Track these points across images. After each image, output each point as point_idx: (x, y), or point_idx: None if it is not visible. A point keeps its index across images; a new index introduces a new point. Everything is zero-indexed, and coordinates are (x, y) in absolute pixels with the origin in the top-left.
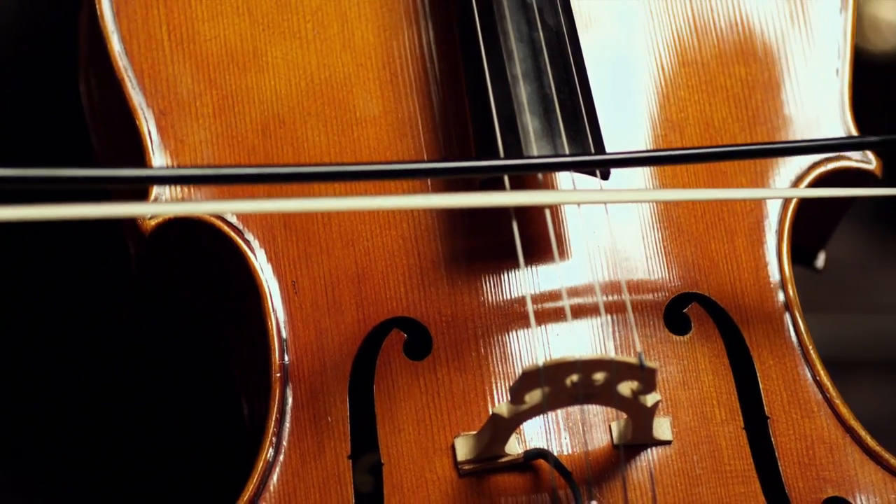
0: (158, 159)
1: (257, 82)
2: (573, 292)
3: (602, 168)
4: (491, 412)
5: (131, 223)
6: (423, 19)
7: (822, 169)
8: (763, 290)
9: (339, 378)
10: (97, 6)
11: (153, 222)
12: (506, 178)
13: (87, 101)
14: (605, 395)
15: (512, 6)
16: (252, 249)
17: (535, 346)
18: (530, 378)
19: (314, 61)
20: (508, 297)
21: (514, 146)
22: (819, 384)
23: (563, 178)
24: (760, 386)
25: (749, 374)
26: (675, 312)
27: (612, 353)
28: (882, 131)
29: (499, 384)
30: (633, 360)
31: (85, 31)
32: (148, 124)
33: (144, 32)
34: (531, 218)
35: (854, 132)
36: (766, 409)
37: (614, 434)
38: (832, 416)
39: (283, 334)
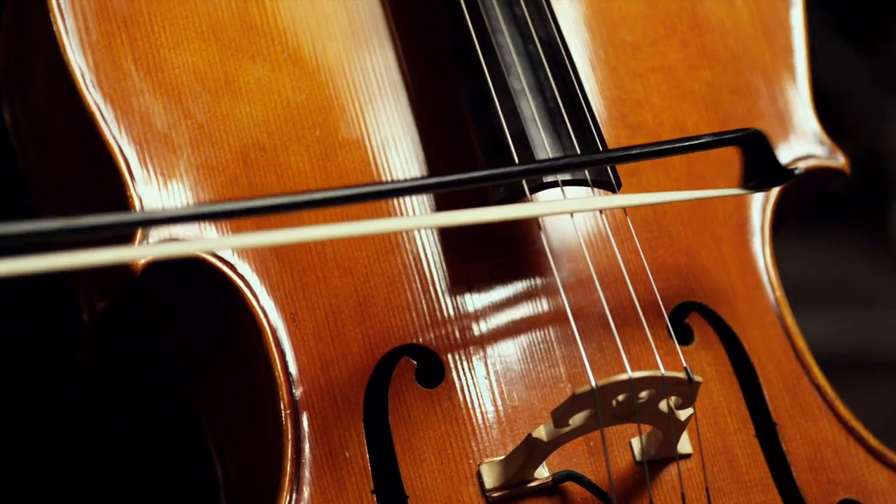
0: (142, 192)
1: (232, 109)
2: (580, 309)
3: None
4: (529, 436)
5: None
6: (395, 36)
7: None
8: (752, 294)
9: (351, 411)
10: (59, 38)
11: (143, 262)
12: (526, 189)
13: (17, 135)
14: (646, 413)
15: (505, 18)
16: (247, 284)
17: (550, 367)
18: (581, 400)
19: (288, 84)
20: (516, 316)
21: (529, 163)
22: (817, 386)
23: (573, 194)
24: (764, 392)
25: (752, 380)
26: (677, 323)
27: (662, 369)
28: None
29: (516, 407)
30: (681, 374)
31: (5, 55)
32: (125, 158)
33: (110, 63)
34: (531, 235)
35: (817, 127)
36: (772, 415)
37: (636, 450)
38: (833, 417)
39: (289, 368)
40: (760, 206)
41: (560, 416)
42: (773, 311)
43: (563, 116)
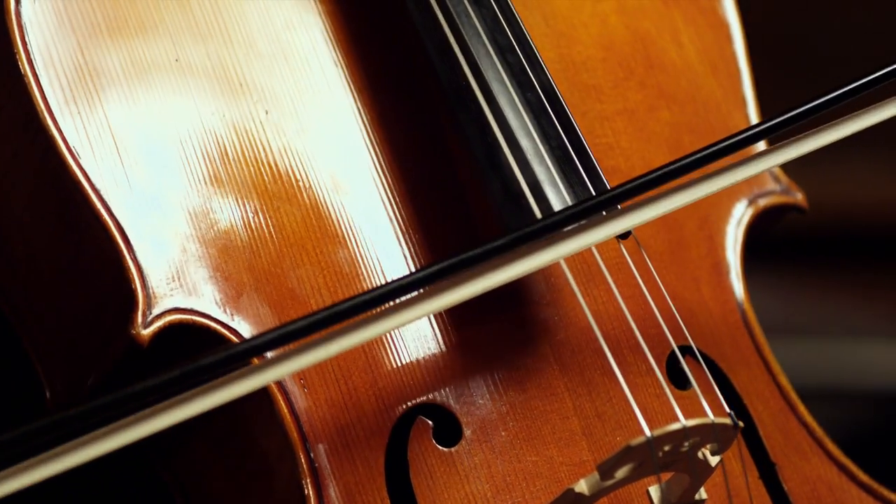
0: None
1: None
2: (592, 359)
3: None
4: (570, 490)
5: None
6: (363, 91)
7: (754, 208)
8: (735, 334)
9: (373, 476)
10: (62, 154)
11: (150, 331)
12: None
13: None
14: (686, 460)
15: (502, 67)
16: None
17: (563, 419)
18: (634, 451)
19: (272, 142)
20: (526, 368)
21: (549, 212)
22: (805, 425)
23: None
24: (760, 433)
25: (748, 422)
26: (673, 368)
27: (711, 416)
28: None
29: (535, 462)
30: (727, 420)
31: None
32: (144, 278)
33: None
34: (532, 287)
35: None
36: (770, 455)
37: (655, 499)
38: (823, 455)
39: (305, 435)
40: (732, 245)
41: (608, 468)
42: (754, 350)
43: (573, 161)
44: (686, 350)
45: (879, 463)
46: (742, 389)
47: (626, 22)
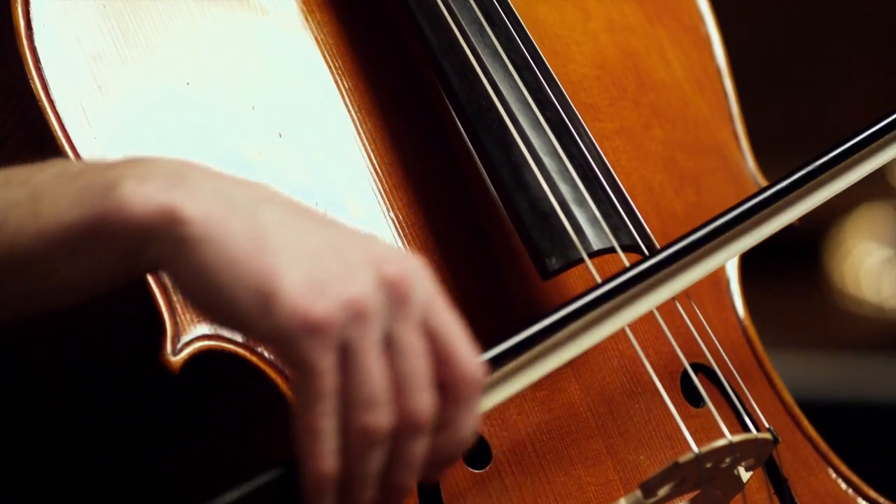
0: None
1: None
2: (611, 377)
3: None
4: None
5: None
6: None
7: None
8: (738, 351)
9: (406, 500)
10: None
11: (180, 358)
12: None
13: None
14: (723, 477)
15: (523, 86)
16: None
17: (588, 438)
18: (682, 468)
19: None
20: (548, 390)
21: (580, 232)
22: (810, 439)
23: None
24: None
25: None
26: (687, 386)
27: (754, 431)
28: None
29: (564, 482)
30: (768, 435)
31: None
32: (171, 304)
33: None
34: None
35: (762, 181)
36: (781, 471)
37: None
38: (829, 469)
39: None
40: (732, 261)
41: (653, 486)
42: (757, 366)
43: (597, 179)
44: (698, 367)
45: (881, 475)
46: (750, 405)
47: (615, 40)
